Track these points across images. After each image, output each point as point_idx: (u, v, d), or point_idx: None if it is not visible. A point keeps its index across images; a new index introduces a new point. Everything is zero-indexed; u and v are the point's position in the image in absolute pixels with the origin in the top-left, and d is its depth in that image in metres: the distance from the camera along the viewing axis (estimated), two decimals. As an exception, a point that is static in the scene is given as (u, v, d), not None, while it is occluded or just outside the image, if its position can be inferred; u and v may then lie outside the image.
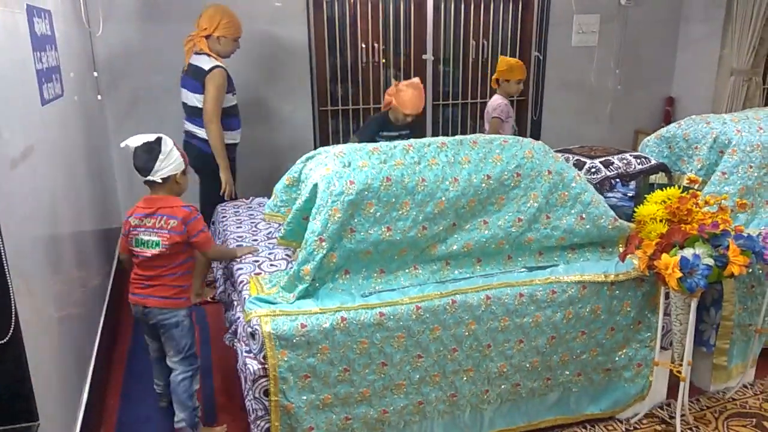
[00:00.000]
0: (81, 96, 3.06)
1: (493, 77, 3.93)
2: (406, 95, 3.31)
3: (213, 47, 3.19)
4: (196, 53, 3.19)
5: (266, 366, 1.80)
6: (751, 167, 2.54)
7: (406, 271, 2.10)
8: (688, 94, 5.24)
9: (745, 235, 2.04)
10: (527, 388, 2.17)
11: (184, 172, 2.21)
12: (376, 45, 4.48)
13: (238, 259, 2.29)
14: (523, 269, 2.17)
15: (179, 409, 2.20)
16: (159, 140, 2.11)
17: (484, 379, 2.09)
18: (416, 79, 3.41)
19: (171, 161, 2.12)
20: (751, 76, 4.83)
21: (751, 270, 2.27)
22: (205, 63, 3.14)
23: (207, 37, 3.18)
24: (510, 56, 4.63)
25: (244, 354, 1.87)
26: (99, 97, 3.72)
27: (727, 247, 1.93)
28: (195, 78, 3.15)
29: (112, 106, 3.87)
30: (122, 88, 3.87)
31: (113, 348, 2.94)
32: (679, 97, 5.31)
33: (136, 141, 2.11)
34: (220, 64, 3.16)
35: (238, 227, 2.69)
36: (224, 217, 2.88)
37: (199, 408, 2.26)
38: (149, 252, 2.12)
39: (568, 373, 2.20)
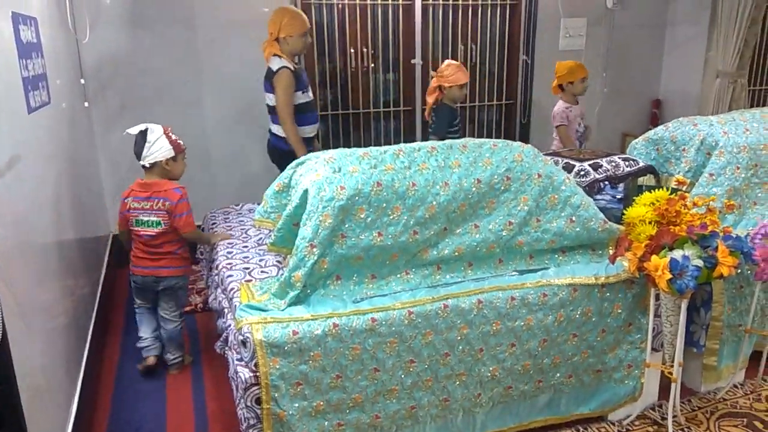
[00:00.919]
0: (68, 103, 3.04)
1: (554, 84, 3.93)
2: (451, 70, 3.54)
3: (284, 48, 3.31)
4: (273, 56, 3.32)
5: (258, 374, 1.78)
6: (738, 168, 2.56)
7: (398, 276, 2.10)
8: (675, 96, 5.30)
9: (734, 236, 2.05)
10: (519, 390, 2.17)
11: (174, 159, 2.52)
12: (365, 50, 4.49)
13: (228, 266, 2.27)
14: (514, 273, 2.18)
15: (175, 350, 2.71)
16: (147, 130, 2.46)
17: (476, 383, 2.09)
18: (450, 62, 3.62)
19: (157, 149, 2.46)
20: (737, 78, 4.89)
21: (739, 270, 2.29)
22: (274, 65, 3.29)
23: (276, 40, 3.31)
24: (498, 60, 4.66)
25: (236, 362, 1.85)
26: (86, 104, 3.69)
27: (716, 248, 1.94)
28: (267, 79, 3.35)
29: (99, 113, 3.85)
30: (109, 95, 3.84)
31: (103, 356, 2.91)
32: (666, 100, 5.36)
33: (135, 130, 2.48)
34: (287, 64, 3.28)
35: (228, 234, 2.67)
36: (214, 223, 2.86)
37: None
38: (153, 231, 2.50)
39: (559, 375, 2.21)
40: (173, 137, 2.53)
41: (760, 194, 2.63)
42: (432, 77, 3.65)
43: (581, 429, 2.29)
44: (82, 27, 3.56)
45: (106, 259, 3.67)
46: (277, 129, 3.40)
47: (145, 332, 2.70)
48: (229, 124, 4.12)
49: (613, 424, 2.32)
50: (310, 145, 3.47)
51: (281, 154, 3.38)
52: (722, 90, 4.89)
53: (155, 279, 2.58)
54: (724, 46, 4.82)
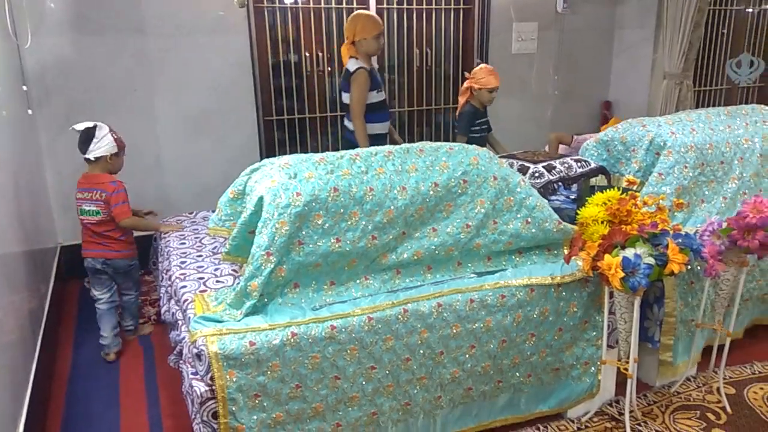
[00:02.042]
0: (9, 111, 2.91)
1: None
2: (483, 73, 3.73)
3: (360, 50, 3.53)
4: (350, 58, 3.55)
5: (214, 387, 1.73)
6: (686, 167, 2.64)
7: (357, 281, 2.08)
8: (625, 97, 5.45)
9: (683, 233, 2.11)
10: (479, 391, 2.18)
11: (117, 154, 2.81)
12: (320, 54, 4.46)
13: (182, 276, 2.21)
14: (472, 275, 2.19)
15: (131, 319, 3.06)
16: (95, 126, 2.73)
17: (437, 385, 2.09)
18: (483, 65, 3.84)
19: (103, 144, 2.74)
20: (683, 79, 5.06)
21: (690, 267, 2.35)
22: (352, 66, 3.52)
23: (353, 43, 3.53)
24: (453, 63, 4.71)
25: (190, 376, 1.80)
26: (29, 111, 3.54)
27: (667, 246, 1.99)
28: (345, 79, 3.59)
29: (44, 121, 3.69)
30: (55, 102, 3.70)
31: (53, 372, 2.79)
32: (616, 101, 5.51)
33: (82, 126, 2.74)
34: (364, 65, 3.50)
35: (181, 243, 2.60)
36: (167, 233, 2.78)
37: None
38: (93, 219, 2.79)
39: (518, 374, 2.23)
40: (116, 135, 2.81)
41: (707, 192, 2.72)
42: (465, 78, 3.86)
43: (541, 427, 2.32)
44: (23, 32, 3.41)
45: (54, 271, 3.53)
46: (349, 124, 3.67)
47: (106, 331, 2.88)
48: (182, 132, 4.02)
49: (572, 421, 2.35)
50: (382, 141, 3.70)
51: (351, 147, 3.54)
52: (669, 91, 5.05)
53: (104, 261, 2.83)
54: (669, 49, 4.98)
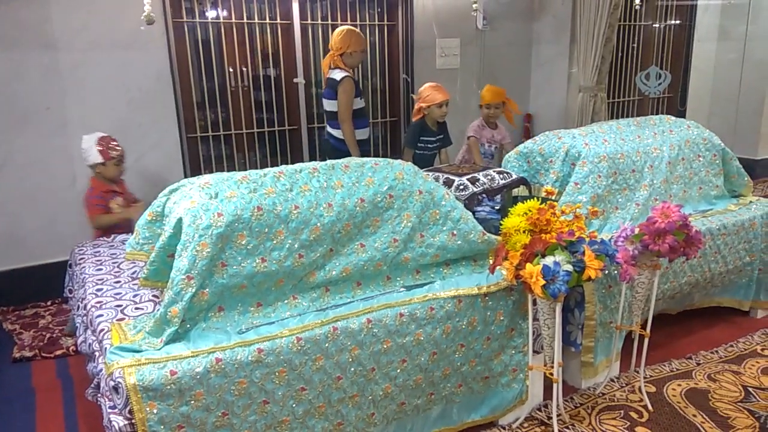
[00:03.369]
0: None
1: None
2: (427, 91, 3.88)
3: (347, 61, 3.84)
4: (332, 68, 3.85)
5: (133, 421, 1.64)
6: (599, 177, 2.77)
7: (285, 301, 2.04)
8: (544, 110, 5.68)
9: (599, 240, 2.20)
10: (412, 405, 2.18)
11: (104, 164, 3.09)
12: (244, 69, 4.39)
13: (98, 304, 2.10)
14: (402, 289, 2.20)
15: None
16: (82, 139, 3.11)
17: (369, 402, 2.07)
18: (427, 84, 3.98)
19: (86, 156, 3.10)
20: (597, 92, 5.32)
21: (607, 272, 2.46)
22: (337, 75, 3.79)
23: (341, 54, 3.80)
24: (380, 78, 4.77)
25: (108, 410, 1.70)
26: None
27: (583, 253, 2.07)
28: (331, 88, 3.83)
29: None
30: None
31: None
32: (536, 114, 5.74)
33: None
34: (349, 74, 3.80)
35: (98, 269, 2.47)
36: (82, 258, 2.64)
37: None
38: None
39: (450, 385, 2.24)
40: (107, 146, 3.06)
41: (620, 199, 2.86)
42: (415, 100, 4.04)
43: (475, 437, 2.35)
44: None
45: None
46: (337, 132, 3.88)
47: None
48: (99, 150, 3.84)
49: (504, 429, 2.39)
50: (364, 146, 3.98)
51: (338, 155, 3.69)
52: (585, 103, 5.31)
53: None
54: (583, 63, 5.24)
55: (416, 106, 3.98)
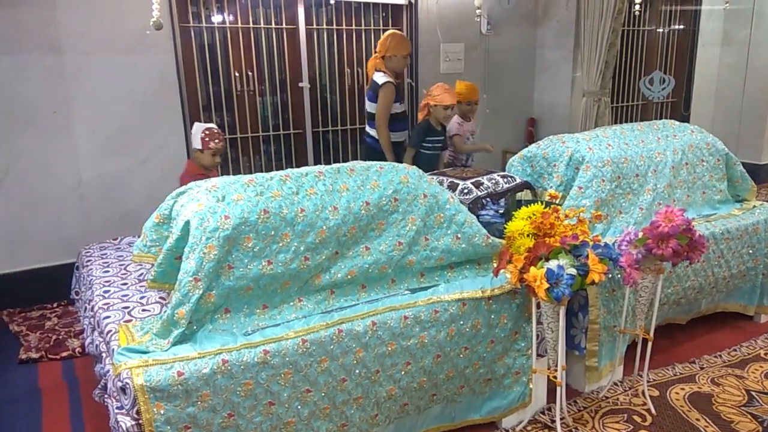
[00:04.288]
0: None
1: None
2: (438, 91, 3.88)
3: (388, 65, 3.92)
4: (376, 71, 3.94)
5: (141, 421, 1.66)
6: (603, 181, 2.78)
7: (290, 304, 2.06)
8: (547, 114, 5.69)
9: (602, 244, 2.21)
10: (414, 406, 2.20)
11: (201, 151, 3.28)
12: (250, 73, 4.42)
13: (105, 306, 2.12)
14: (406, 292, 2.21)
15: None
16: (194, 124, 3.39)
17: (373, 404, 2.09)
18: (438, 84, 3.97)
19: (192, 138, 3.34)
20: (600, 96, 5.33)
21: (610, 275, 2.47)
22: (380, 79, 3.90)
23: (383, 57, 3.90)
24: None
25: (116, 411, 1.72)
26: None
27: (587, 257, 2.08)
28: (372, 91, 3.96)
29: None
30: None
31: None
32: (540, 118, 5.75)
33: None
34: (391, 80, 3.90)
35: (105, 271, 2.50)
36: (89, 260, 2.66)
37: None
38: None
39: (452, 387, 2.26)
40: (210, 135, 3.26)
41: (624, 204, 2.87)
42: (423, 95, 4.06)
43: (478, 439, 2.35)
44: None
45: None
46: (374, 133, 4.00)
47: None
48: (104, 154, 3.87)
49: (506, 431, 2.40)
50: (399, 149, 4.08)
51: (375, 155, 4.00)
52: (588, 108, 5.32)
53: None
54: (587, 68, 5.26)
55: (423, 102, 4.00)
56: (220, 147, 3.32)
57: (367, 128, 4.12)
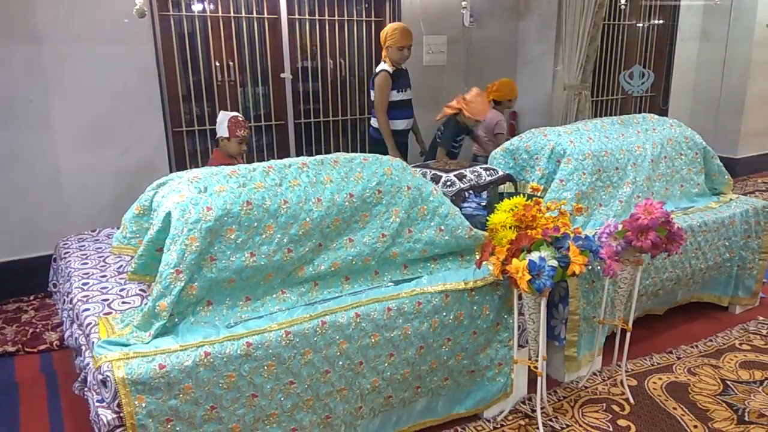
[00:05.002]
0: None
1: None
2: (477, 106, 4.00)
3: (388, 55, 4.04)
4: (381, 62, 4.09)
5: (122, 414, 1.65)
6: (584, 174, 2.81)
7: (274, 296, 2.05)
8: (529, 108, 5.72)
9: (583, 236, 2.24)
10: (398, 398, 2.21)
11: (228, 139, 3.34)
12: (231, 63, 4.37)
13: (84, 298, 2.09)
14: (390, 283, 2.21)
15: None
16: (221, 113, 3.43)
17: (357, 396, 2.09)
18: (475, 89, 4.09)
19: (218, 126, 3.38)
20: (581, 90, 5.38)
21: (590, 267, 2.50)
22: (378, 68, 4.06)
23: (386, 47, 4.02)
24: (366, 74, 4.79)
25: (96, 404, 1.70)
26: None
27: (568, 249, 2.11)
28: (372, 80, 4.11)
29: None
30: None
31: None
32: (522, 112, 5.77)
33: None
34: (386, 68, 4.03)
35: (83, 263, 2.46)
36: (67, 252, 2.62)
37: None
38: None
39: (436, 378, 2.27)
40: (235, 124, 3.32)
41: (604, 196, 2.90)
42: (460, 96, 4.12)
43: (459, 429, 2.37)
44: None
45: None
46: (374, 122, 4.16)
47: None
48: (83, 145, 3.80)
49: (489, 421, 2.43)
50: (403, 136, 4.22)
51: (375, 143, 4.19)
52: (569, 101, 5.36)
53: None
54: (568, 62, 5.29)
55: (456, 105, 4.07)
56: (245, 135, 3.40)
57: (372, 119, 4.24)
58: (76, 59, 3.67)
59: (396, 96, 4.10)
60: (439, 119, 4.25)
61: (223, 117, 3.38)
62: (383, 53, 4.08)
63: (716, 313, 3.36)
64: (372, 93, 4.13)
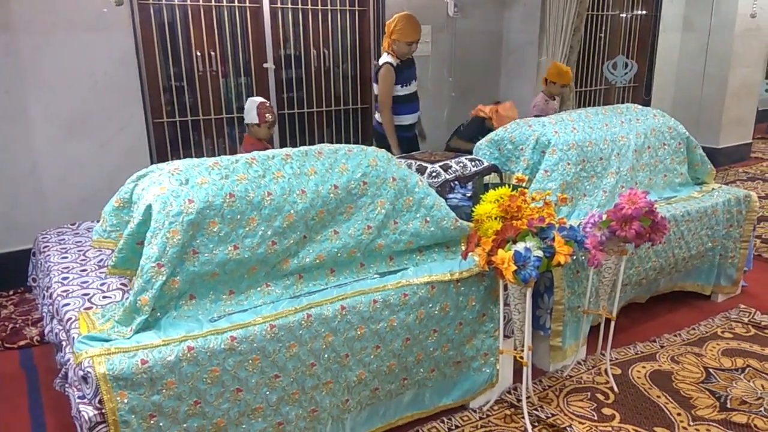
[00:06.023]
0: None
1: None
2: (508, 112, 4.03)
3: (392, 47, 3.80)
4: (384, 52, 3.85)
5: (104, 411, 1.62)
6: (568, 164, 2.82)
7: (258, 289, 2.02)
8: (514, 98, 5.71)
9: (568, 226, 2.24)
10: (385, 390, 2.20)
11: (258, 125, 3.43)
12: (212, 53, 4.31)
13: (64, 293, 2.05)
14: (375, 275, 2.20)
15: None
16: (248, 99, 3.49)
17: (343, 389, 2.08)
18: (509, 103, 4.19)
19: (246, 115, 3.47)
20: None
21: (575, 257, 2.51)
22: (382, 60, 3.83)
23: (391, 39, 3.79)
24: (351, 64, 4.74)
25: (77, 400, 1.67)
26: None
27: (553, 239, 2.11)
28: (375, 73, 3.92)
29: None
30: None
31: None
32: (506, 101, 5.76)
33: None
34: (390, 60, 3.79)
35: (63, 257, 2.41)
36: (46, 246, 2.57)
37: None
38: None
39: (422, 370, 2.27)
40: (263, 110, 3.39)
41: (588, 187, 2.91)
42: (494, 105, 4.21)
43: (446, 420, 2.38)
44: None
45: None
46: (378, 116, 3.98)
47: None
48: (61, 136, 3.72)
49: (475, 411, 2.43)
50: (408, 131, 4.04)
51: (379, 137, 4.01)
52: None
53: None
54: (552, 52, 5.29)
55: (488, 112, 4.16)
56: (273, 120, 3.49)
57: (376, 113, 4.08)
58: (53, 49, 3.59)
59: (400, 91, 3.87)
60: (471, 119, 4.37)
61: (252, 104, 3.43)
62: (385, 43, 3.83)
63: (699, 302, 3.40)
64: (375, 86, 3.93)
